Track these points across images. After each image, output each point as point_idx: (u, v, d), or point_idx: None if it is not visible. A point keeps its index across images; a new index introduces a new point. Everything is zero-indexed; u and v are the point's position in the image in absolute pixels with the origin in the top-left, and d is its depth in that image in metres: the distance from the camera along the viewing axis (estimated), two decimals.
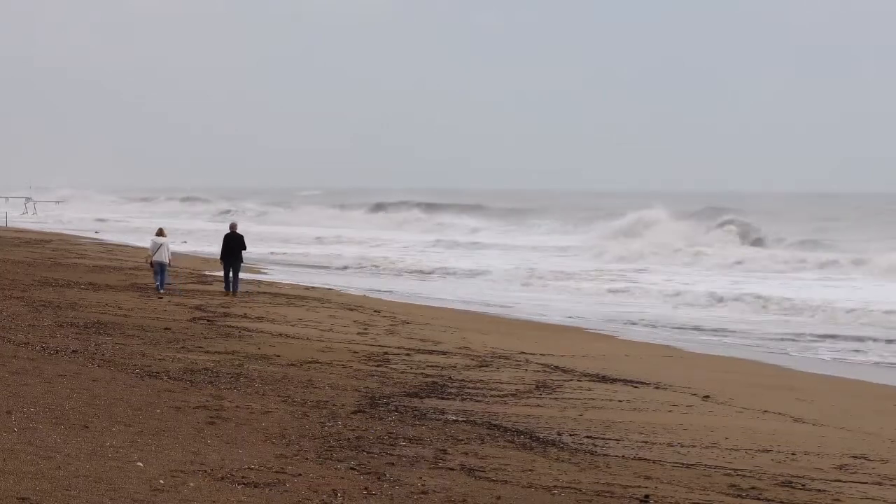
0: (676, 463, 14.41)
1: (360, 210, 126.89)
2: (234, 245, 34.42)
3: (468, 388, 19.24)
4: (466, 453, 13.86)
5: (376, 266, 53.88)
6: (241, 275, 35.29)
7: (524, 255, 64.60)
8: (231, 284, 34.03)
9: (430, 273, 50.80)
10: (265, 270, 48.12)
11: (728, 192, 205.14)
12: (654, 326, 32.36)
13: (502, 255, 64.33)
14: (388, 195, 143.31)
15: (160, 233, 35.11)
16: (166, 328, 24.58)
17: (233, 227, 35.81)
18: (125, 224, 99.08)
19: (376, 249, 67.02)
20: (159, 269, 33.70)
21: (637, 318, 34.04)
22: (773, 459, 15.00)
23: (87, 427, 13.27)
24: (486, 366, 22.03)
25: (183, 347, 21.78)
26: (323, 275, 48.06)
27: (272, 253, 59.70)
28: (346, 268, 53.47)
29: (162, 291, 33.04)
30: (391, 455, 13.38)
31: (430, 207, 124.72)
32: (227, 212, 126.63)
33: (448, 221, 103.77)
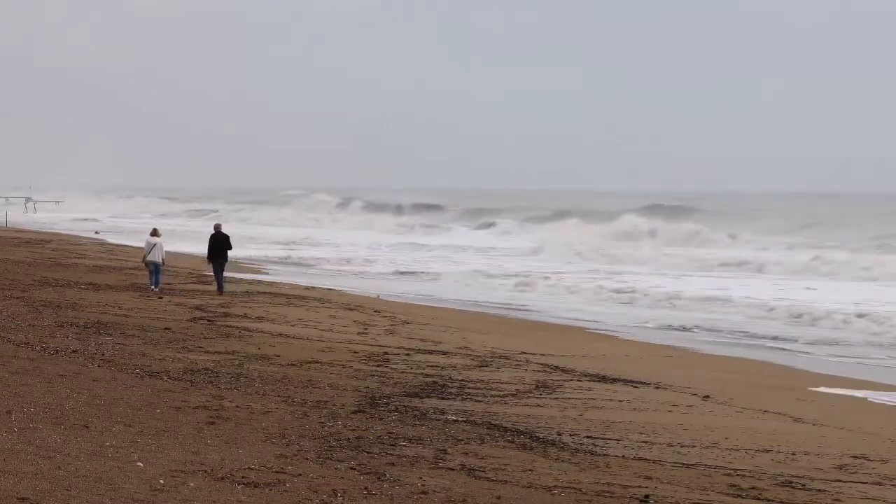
0: (676, 463, 14.41)
1: (321, 211, 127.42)
2: (220, 245, 34.88)
3: (468, 388, 19.25)
4: (466, 453, 13.86)
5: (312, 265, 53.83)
6: (242, 275, 35.35)
7: (470, 255, 64.75)
8: (218, 281, 34.47)
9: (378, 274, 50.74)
10: (265, 270, 48.16)
11: (728, 192, 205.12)
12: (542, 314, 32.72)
13: (449, 255, 64.31)
14: (374, 195, 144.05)
15: (154, 233, 35.29)
16: (166, 328, 24.58)
17: (217, 227, 36.26)
18: (105, 225, 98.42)
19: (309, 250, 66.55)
20: (153, 268, 33.95)
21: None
22: (773, 459, 15.00)
23: (87, 427, 13.27)
24: (486, 366, 22.03)
25: (183, 347, 21.78)
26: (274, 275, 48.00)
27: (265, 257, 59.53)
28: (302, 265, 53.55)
29: (156, 290, 33.25)
30: (391, 455, 13.38)
31: (399, 209, 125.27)
32: (215, 211, 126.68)
33: (408, 223, 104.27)
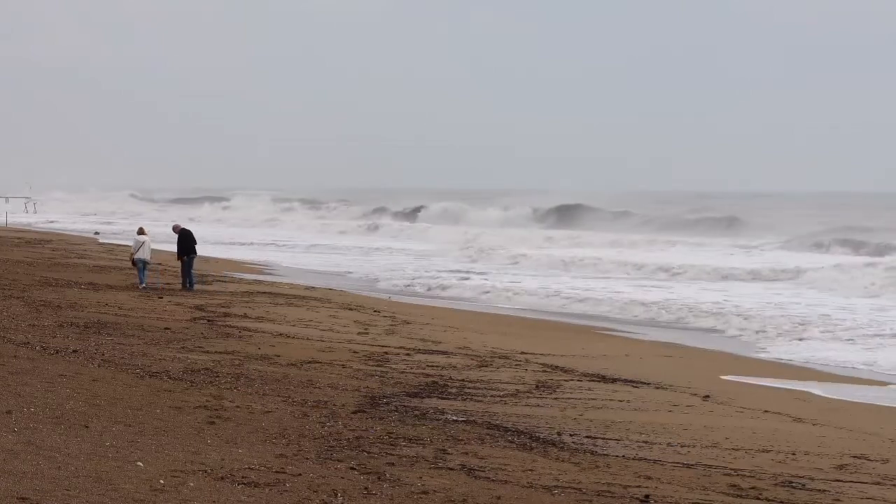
0: (676, 463, 14.43)
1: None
2: (189, 243, 35.44)
3: (468, 388, 19.26)
4: (466, 453, 13.87)
5: None
6: (244, 275, 35.48)
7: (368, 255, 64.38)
8: (189, 279, 34.96)
9: None
10: (268, 271, 48.19)
11: (725, 192, 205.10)
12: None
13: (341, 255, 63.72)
14: (360, 196, 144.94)
15: (141, 231, 36.04)
16: (166, 328, 24.59)
17: (177, 227, 36.83)
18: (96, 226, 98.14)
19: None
20: (141, 265, 34.76)
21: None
22: (773, 459, 15.02)
23: (87, 427, 13.28)
24: (486, 366, 22.05)
25: (183, 347, 21.79)
26: None
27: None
28: None
29: (143, 286, 33.99)
30: (391, 455, 13.39)
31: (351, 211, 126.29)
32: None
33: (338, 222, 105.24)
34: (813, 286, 44.29)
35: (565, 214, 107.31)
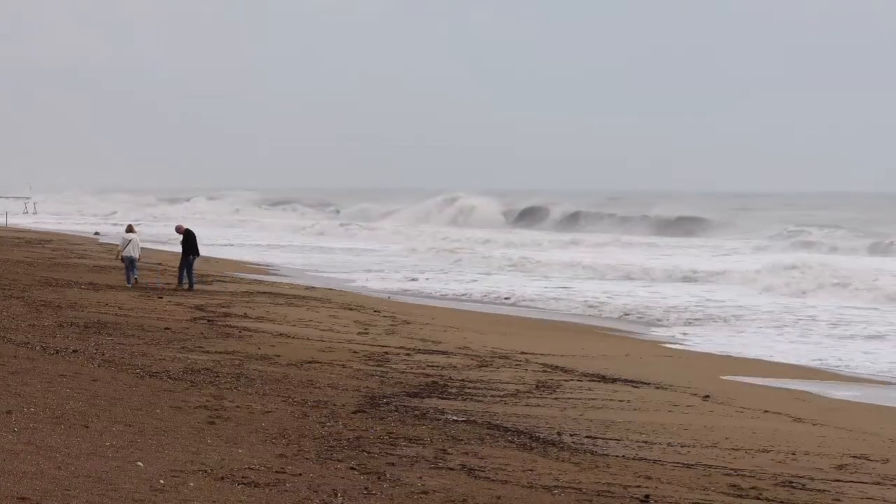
0: (676, 463, 14.43)
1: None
2: (194, 242, 35.87)
3: (468, 388, 19.27)
4: (466, 453, 13.88)
5: None
6: (245, 275, 35.55)
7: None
8: (189, 279, 35.20)
9: None
10: (272, 272, 48.22)
11: (724, 192, 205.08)
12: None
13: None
14: (349, 196, 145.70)
15: (130, 229, 36.45)
16: (166, 328, 24.60)
17: (180, 228, 37.23)
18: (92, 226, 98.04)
19: None
20: (129, 263, 35.20)
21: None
22: (773, 459, 15.03)
23: (87, 427, 13.29)
24: (486, 366, 22.06)
25: (183, 347, 21.80)
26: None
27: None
28: None
29: (129, 285, 34.41)
30: (391, 455, 13.40)
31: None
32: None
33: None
34: (744, 284, 44.62)
35: (526, 215, 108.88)
